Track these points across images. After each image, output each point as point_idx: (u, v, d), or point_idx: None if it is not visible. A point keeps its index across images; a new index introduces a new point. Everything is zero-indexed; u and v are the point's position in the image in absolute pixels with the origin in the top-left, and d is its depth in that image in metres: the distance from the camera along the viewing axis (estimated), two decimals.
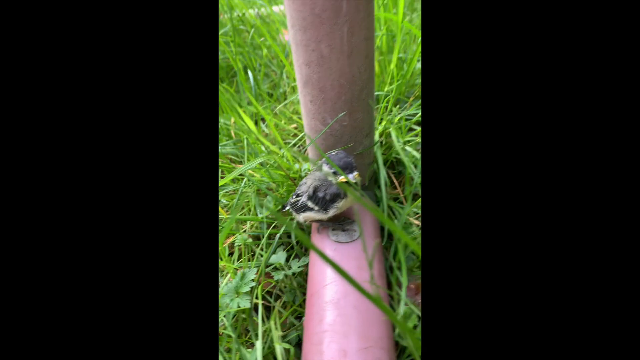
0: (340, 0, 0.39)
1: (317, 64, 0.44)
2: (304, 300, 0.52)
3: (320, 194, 0.47)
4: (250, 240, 0.58)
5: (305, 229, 0.60)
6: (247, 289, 0.45)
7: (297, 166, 0.60)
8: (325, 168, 0.47)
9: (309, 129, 0.53)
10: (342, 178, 0.44)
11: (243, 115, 0.58)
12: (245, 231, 0.60)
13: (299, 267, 0.55)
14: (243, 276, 0.47)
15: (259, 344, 0.41)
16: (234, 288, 0.46)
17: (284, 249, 0.57)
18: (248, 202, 0.65)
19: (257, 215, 0.62)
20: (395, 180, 0.68)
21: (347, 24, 0.41)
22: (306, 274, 0.55)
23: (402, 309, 0.45)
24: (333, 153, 0.47)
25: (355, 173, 0.44)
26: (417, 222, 0.58)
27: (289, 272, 0.53)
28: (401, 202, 0.64)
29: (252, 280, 0.47)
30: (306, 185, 0.49)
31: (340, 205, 0.47)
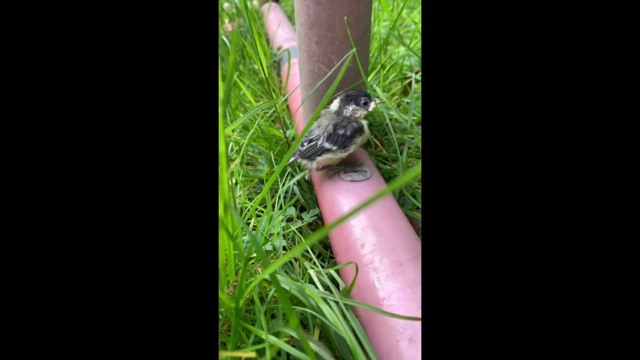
0: None
1: (327, 1, 0.45)
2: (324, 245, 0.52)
3: (340, 131, 0.47)
4: (246, 200, 0.55)
5: (307, 184, 0.60)
6: (279, 229, 0.43)
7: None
8: (336, 104, 0.48)
9: (310, 76, 0.53)
10: (373, 104, 0.45)
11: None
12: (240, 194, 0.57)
13: (311, 217, 0.54)
14: (271, 219, 0.44)
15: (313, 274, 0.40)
16: (263, 231, 0.43)
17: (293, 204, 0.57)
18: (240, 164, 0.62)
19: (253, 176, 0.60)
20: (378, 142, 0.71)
21: None
22: (313, 223, 0.54)
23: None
24: (345, 92, 0.48)
25: (378, 100, 0.46)
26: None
27: (303, 223, 0.52)
28: (385, 159, 0.68)
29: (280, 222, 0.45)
30: (322, 127, 0.49)
31: (359, 141, 0.48)
